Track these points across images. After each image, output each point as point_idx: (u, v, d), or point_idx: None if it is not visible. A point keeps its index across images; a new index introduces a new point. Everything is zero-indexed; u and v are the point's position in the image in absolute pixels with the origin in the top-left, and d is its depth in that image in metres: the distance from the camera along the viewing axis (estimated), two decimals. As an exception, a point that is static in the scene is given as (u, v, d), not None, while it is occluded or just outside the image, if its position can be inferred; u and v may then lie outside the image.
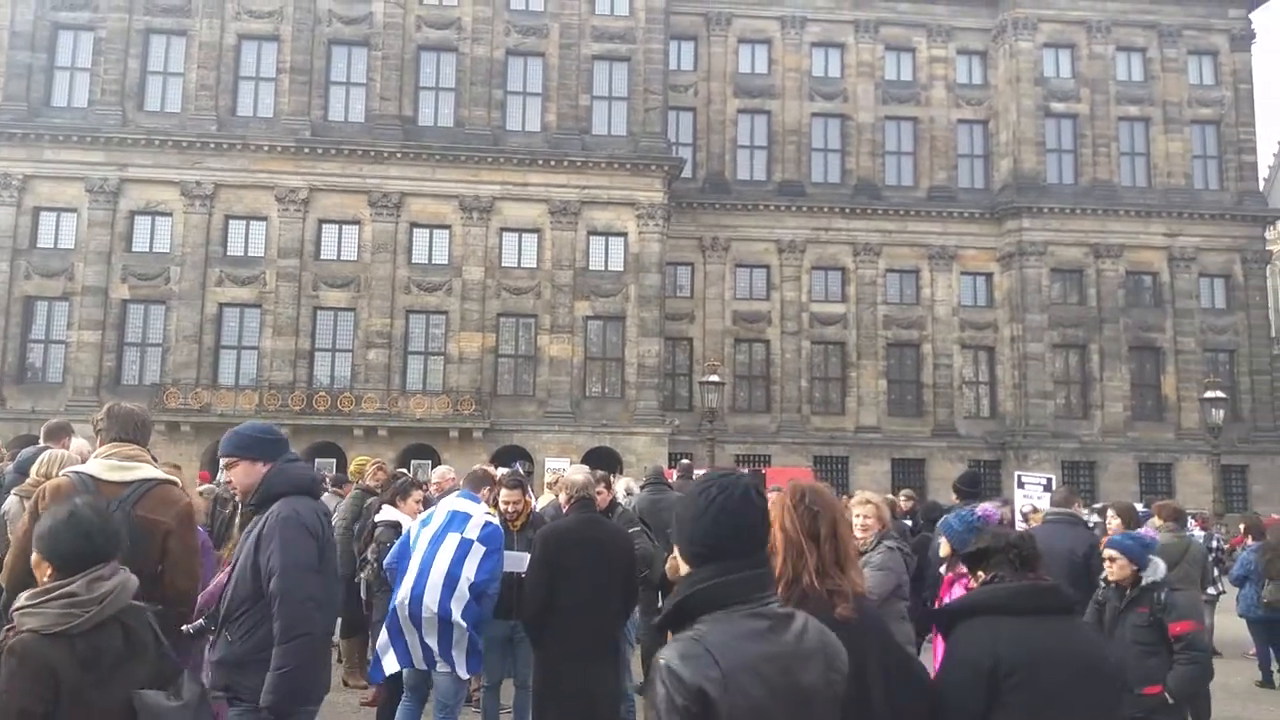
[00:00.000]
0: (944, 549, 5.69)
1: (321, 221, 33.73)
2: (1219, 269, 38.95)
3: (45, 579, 3.04)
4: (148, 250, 33.10)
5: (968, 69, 40.27)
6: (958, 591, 5.00)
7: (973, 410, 38.72)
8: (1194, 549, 9.56)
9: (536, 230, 34.35)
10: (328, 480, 12.19)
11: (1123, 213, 38.49)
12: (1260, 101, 76.10)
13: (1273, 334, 41.21)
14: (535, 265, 34.22)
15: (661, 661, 2.32)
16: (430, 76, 34.92)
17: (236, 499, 7.32)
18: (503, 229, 34.26)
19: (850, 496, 6.53)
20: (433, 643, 6.04)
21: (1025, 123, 38.66)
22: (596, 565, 5.77)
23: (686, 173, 37.26)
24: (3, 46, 34.10)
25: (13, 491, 6.37)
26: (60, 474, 4.78)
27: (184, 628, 4.08)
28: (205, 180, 33.10)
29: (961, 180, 39.65)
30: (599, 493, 7.47)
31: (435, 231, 34.11)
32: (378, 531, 7.81)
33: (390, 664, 6.24)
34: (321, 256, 33.63)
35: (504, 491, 7.46)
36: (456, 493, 6.85)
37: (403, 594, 6.07)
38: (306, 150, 33.44)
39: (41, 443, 7.10)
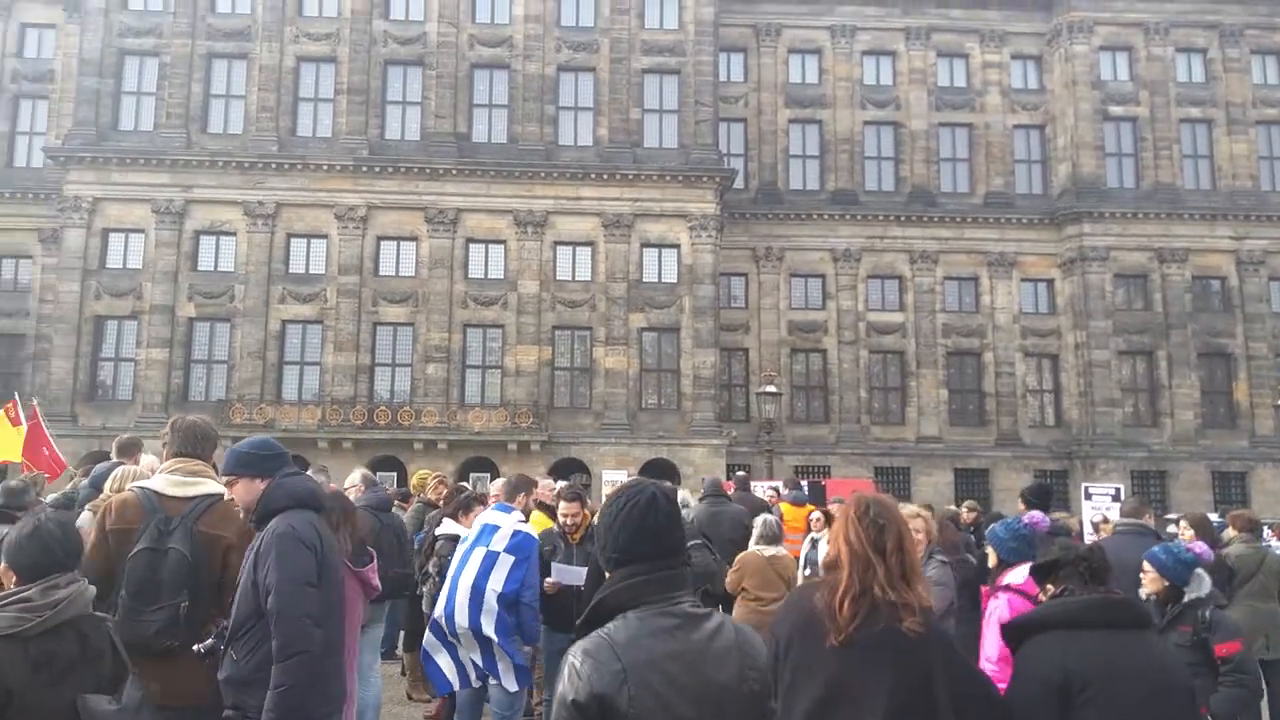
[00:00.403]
0: (991, 559, 5.51)
1: (380, 238, 34.25)
2: (1290, 272, 37.92)
3: (10, 586, 3.28)
4: (212, 269, 33.84)
5: (1022, 74, 39.73)
6: (996, 605, 4.86)
7: (1037, 419, 38.05)
8: (1270, 560, 9.24)
9: (590, 243, 34.52)
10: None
11: (1187, 216, 37.65)
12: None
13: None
14: (589, 278, 34.39)
15: (568, 657, 2.45)
16: (484, 94, 35.33)
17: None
18: (557, 243, 34.49)
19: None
20: (476, 658, 6.06)
21: (1083, 127, 38.03)
22: None
23: (739, 183, 37.21)
24: (72, 74, 35.27)
25: (87, 507, 6.55)
26: (126, 490, 4.91)
27: (195, 647, 4.10)
28: (267, 200, 33.80)
29: (1019, 186, 39.08)
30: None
31: (491, 246, 34.45)
32: (438, 545, 7.88)
33: (445, 683, 6.28)
34: (380, 273, 34.13)
35: (562, 504, 7.50)
36: (493, 505, 6.89)
37: (437, 611, 6.12)
38: (364, 169, 34.00)
39: (113, 458, 7.30)
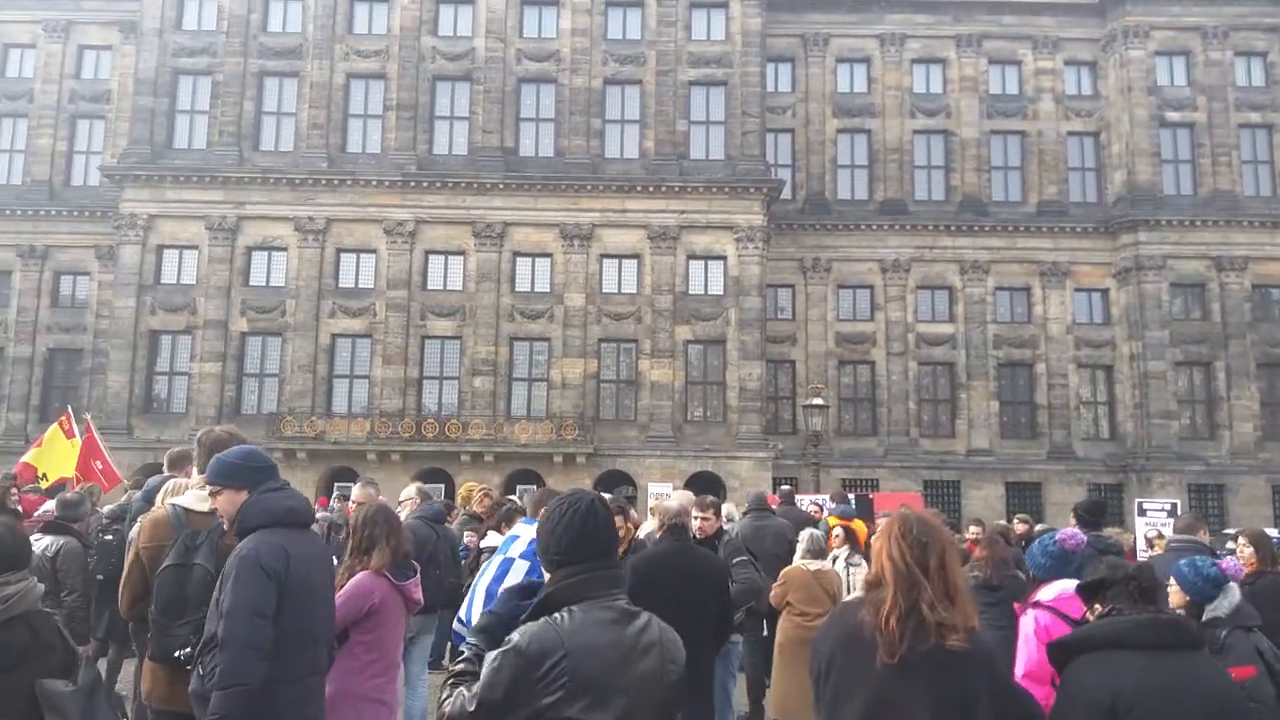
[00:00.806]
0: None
1: (428, 253, 34.61)
2: (1354, 280, 36.91)
3: None
4: (264, 284, 34.41)
5: (1076, 80, 39.15)
6: (1025, 621, 4.81)
7: (1091, 431, 37.35)
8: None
9: (636, 256, 34.58)
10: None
11: (1246, 223, 36.82)
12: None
13: None
14: (635, 290, 34.43)
15: (510, 638, 2.76)
16: (530, 108, 35.59)
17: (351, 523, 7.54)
18: (603, 255, 34.59)
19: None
20: None
21: (1139, 133, 37.37)
22: (687, 594, 5.71)
23: (786, 194, 37.07)
24: (128, 93, 36.15)
25: (139, 519, 6.66)
26: (159, 506, 5.02)
27: (176, 653, 4.16)
28: (317, 215, 34.31)
29: (1073, 194, 38.48)
30: (706, 519, 7.39)
31: (537, 260, 34.64)
32: (483, 557, 7.91)
33: None
34: (428, 287, 34.47)
35: (606, 518, 7.46)
36: (520, 520, 6.92)
37: (460, 615, 6.17)
38: (413, 184, 34.40)
39: (165, 471, 7.42)
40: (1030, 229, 37.59)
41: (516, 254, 34.62)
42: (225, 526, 4.29)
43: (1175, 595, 5.06)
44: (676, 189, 34.41)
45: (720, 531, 7.75)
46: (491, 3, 35.61)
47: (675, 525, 6.14)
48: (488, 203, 34.40)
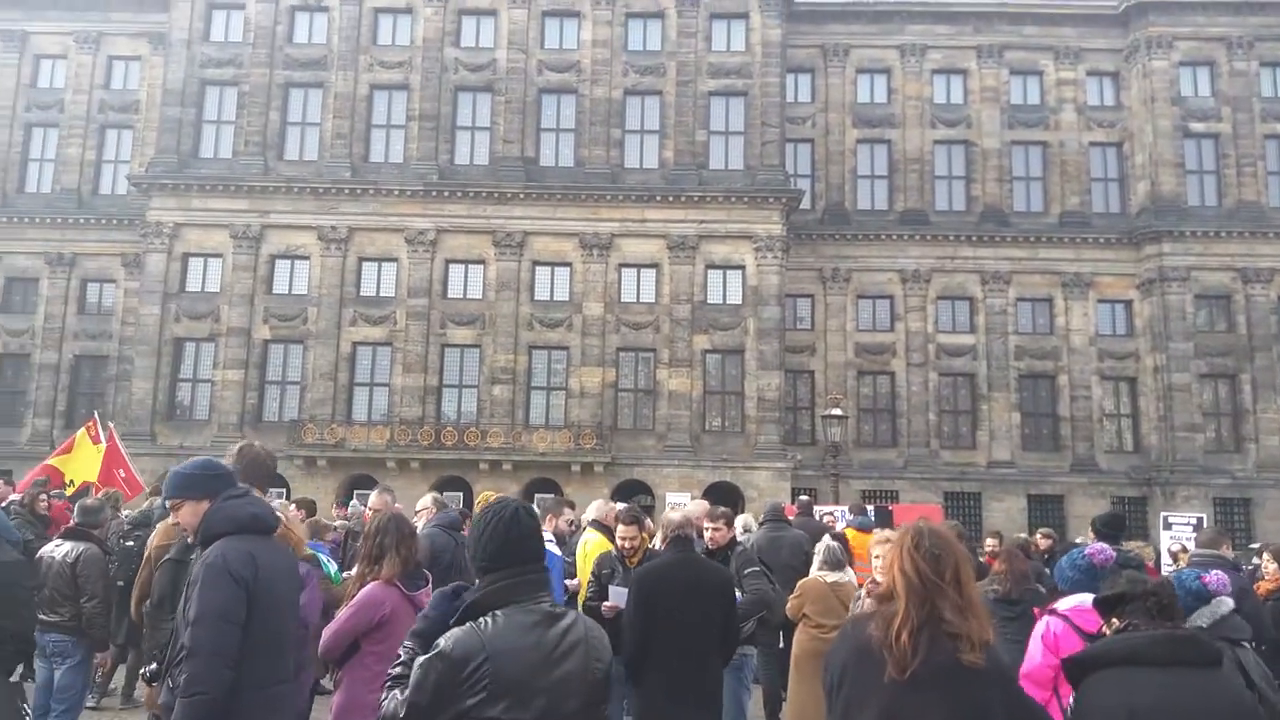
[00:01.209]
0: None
1: (449, 261, 34.75)
2: (1383, 292, 36.46)
3: None
4: (287, 292, 34.65)
5: (1099, 91, 38.91)
6: (1039, 625, 4.80)
7: (1114, 444, 37.01)
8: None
9: (655, 265, 34.60)
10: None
11: (1272, 235, 36.46)
12: None
13: None
14: (654, 300, 34.44)
15: (437, 644, 2.85)
16: (551, 118, 35.73)
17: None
18: (621, 265, 34.63)
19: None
20: None
21: (1162, 144, 37.11)
22: (690, 606, 5.69)
23: (805, 204, 37.01)
24: (156, 103, 36.54)
25: (160, 524, 6.71)
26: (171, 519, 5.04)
27: (141, 671, 4.14)
28: (340, 224, 34.53)
29: (1095, 205, 38.22)
30: (717, 530, 7.37)
31: (556, 269, 34.73)
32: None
33: None
34: (449, 295, 34.61)
35: (620, 527, 7.46)
36: None
37: None
38: (434, 193, 34.58)
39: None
40: (1052, 239, 37.35)
41: (536, 263, 34.71)
42: (190, 539, 4.19)
43: None
44: (696, 199, 34.43)
45: (733, 542, 7.72)
46: (513, 14, 35.81)
47: (678, 537, 6.11)
48: (508, 212, 34.53)
